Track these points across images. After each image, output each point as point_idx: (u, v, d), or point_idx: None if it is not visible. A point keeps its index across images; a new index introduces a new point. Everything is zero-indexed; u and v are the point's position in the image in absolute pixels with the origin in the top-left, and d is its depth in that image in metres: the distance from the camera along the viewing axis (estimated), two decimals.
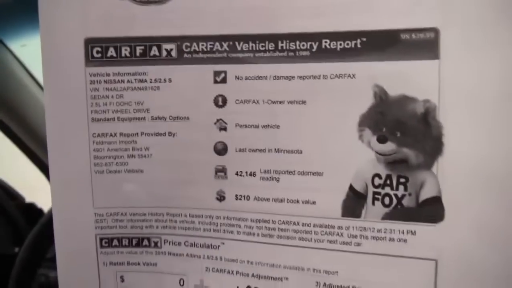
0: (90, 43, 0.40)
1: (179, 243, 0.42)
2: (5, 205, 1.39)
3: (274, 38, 0.38)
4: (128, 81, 0.40)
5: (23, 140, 1.46)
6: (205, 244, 0.41)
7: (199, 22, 0.39)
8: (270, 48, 0.38)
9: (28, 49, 1.37)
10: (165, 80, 0.39)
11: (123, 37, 0.39)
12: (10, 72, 1.38)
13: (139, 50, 0.39)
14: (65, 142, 0.41)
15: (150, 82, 0.40)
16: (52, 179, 0.41)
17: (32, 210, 1.48)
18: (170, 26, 0.39)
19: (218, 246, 0.41)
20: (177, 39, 0.39)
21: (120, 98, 0.40)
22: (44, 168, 1.53)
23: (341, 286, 0.38)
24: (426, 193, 0.36)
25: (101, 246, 0.42)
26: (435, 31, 0.35)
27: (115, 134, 0.40)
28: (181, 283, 0.42)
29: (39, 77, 1.43)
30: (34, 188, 1.57)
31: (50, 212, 1.15)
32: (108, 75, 0.40)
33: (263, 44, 0.38)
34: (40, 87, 1.44)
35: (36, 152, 1.49)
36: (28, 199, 1.53)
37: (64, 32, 0.40)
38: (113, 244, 0.42)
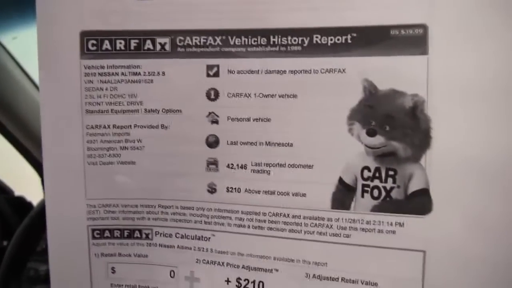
0: (85, 35, 0.38)
1: (170, 235, 0.40)
2: None
3: (266, 33, 0.37)
4: (122, 73, 0.39)
5: (13, 133, 1.44)
6: (196, 236, 0.40)
7: (192, 16, 0.38)
8: (262, 43, 0.37)
9: (19, 41, 1.36)
10: (158, 73, 0.38)
11: (118, 30, 0.38)
12: (0, 65, 1.36)
13: (133, 43, 0.38)
14: (59, 133, 0.39)
15: (144, 75, 0.38)
16: (46, 170, 0.40)
17: (22, 204, 1.44)
18: (164, 20, 0.38)
19: (209, 238, 0.39)
20: (171, 33, 0.38)
21: (114, 90, 0.39)
22: (33, 161, 1.51)
23: (330, 277, 0.37)
24: (414, 186, 0.35)
25: (93, 237, 0.41)
26: (424, 27, 0.34)
27: (109, 126, 0.39)
28: (172, 275, 0.41)
29: (30, 70, 1.41)
30: (24, 182, 1.55)
31: (40, 205, 1.13)
32: (102, 67, 0.39)
33: (255, 39, 0.37)
34: (31, 80, 1.42)
35: (26, 146, 1.47)
36: (18, 192, 1.51)
37: (60, 24, 0.39)
38: (105, 235, 0.41)
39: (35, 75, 1.43)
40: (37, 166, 1.52)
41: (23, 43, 1.38)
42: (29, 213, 1.34)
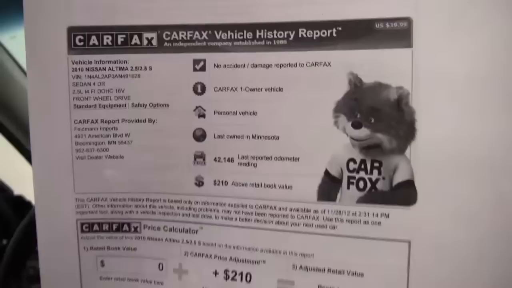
0: (73, 31, 0.38)
1: (158, 228, 0.40)
2: None
3: (252, 27, 0.36)
4: (109, 68, 0.38)
5: (12, 132, 1.44)
6: (184, 229, 0.40)
7: (179, 11, 0.37)
8: (248, 37, 0.37)
9: (17, 40, 1.35)
10: (145, 68, 0.38)
11: (105, 25, 0.38)
12: (0, 65, 1.35)
13: (120, 38, 0.38)
14: (47, 128, 0.39)
15: (131, 70, 0.38)
16: (34, 165, 0.40)
17: (21, 203, 1.44)
18: (151, 15, 0.38)
19: (197, 230, 0.39)
20: (158, 28, 0.38)
21: (101, 85, 0.39)
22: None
23: (316, 268, 0.37)
24: (399, 177, 0.35)
25: (82, 231, 0.41)
26: (408, 20, 0.34)
27: (96, 121, 0.39)
28: (161, 268, 0.40)
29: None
30: (23, 181, 1.54)
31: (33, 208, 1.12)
32: (90, 62, 0.38)
33: (241, 33, 0.37)
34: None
35: (26, 145, 1.47)
36: (17, 192, 1.51)
37: (48, 20, 0.38)
38: (94, 229, 0.41)
39: None
40: None
41: (22, 42, 1.38)
42: (28, 212, 1.33)
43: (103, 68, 0.38)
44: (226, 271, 0.39)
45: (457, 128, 0.33)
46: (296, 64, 0.36)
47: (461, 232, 0.34)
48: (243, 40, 0.37)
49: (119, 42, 0.38)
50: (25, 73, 1.39)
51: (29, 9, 0.38)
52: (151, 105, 0.38)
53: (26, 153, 1.49)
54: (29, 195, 1.46)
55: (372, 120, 0.35)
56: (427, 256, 0.34)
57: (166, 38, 0.38)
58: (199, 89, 0.38)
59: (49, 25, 0.38)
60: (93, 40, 0.38)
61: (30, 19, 0.38)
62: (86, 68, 0.38)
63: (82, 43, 0.38)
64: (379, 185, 0.35)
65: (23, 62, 1.37)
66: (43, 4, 0.38)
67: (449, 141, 0.33)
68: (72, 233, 0.41)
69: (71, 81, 0.38)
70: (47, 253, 0.41)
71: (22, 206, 1.41)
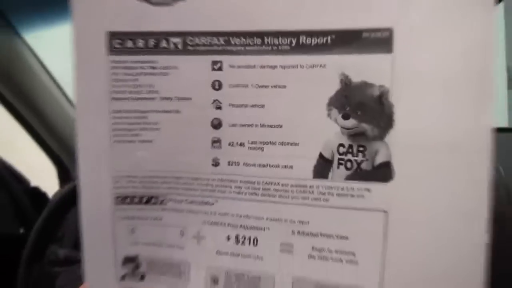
0: (112, 36, 0.45)
1: (181, 201, 0.47)
2: (12, 188, 1.41)
3: (261, 34, 0.43)
4: (142, 67, 0.45)
5: (35, 128, 1.48)
6: (202, 201, 0.47)
7: (200, 20, 0.44)
8: (258, 43, 0.44)
9: (40, 40, 1.40)
10: (172, 67, 0.45)
11: (139, 31, 0.45)
12: (25, 63, 1.39)
13: (151, 42, 0.45)
14: (90, 117, 0.46)
15: (160, 69, 0.45)
16: (79, 149, 0.47)
17: (37, 194, 1.49)
18: (177, 23, 0.45)
19: (213, 203, 0.46)
20: (183, 34, 0.45)
21: (135, 81, 0.46)
22: (52, 154, 1.55)
23: (311, 233, 0.44)
24: (380, 159, 0.42)
25: (117, 203, 0.48)
26: (390, 30, 0.41)
27: (131, 111, 0.46)
28: (182, 234, 0.48)
29: (50, 67, 1.45)
30: (39, 174, 1.59)
31: (58, 195, 1.18)
32: (126, 62, 0.45)
33: (252, 39, 0.44)
34: (51, 77, 1.46)
35: (47, 141, 1.51)
36: (33, 183, 1.54)
37: (91, 26, 0.45)
38: (126, 201, 0.48)
39: (54, 71, 1.48)
40: (55, 159, 1.57)
41: (44, 41, 1.43)
42: (43, 202, 1.39)
43: (136, 67, 0.45)
44: (237, 236, 0.46)
45: (428, 119, 0.40)
46: (297, 65, 0.43)
47: (431, 204, 0.41)
48: (253, 45, 0.44)
49: (150, 45, 0.45)
50: (47, 71, 1.44)
51: (76, 18, 0.46)
52: (176, 98, 0.45)
53: (46, 148, 1.54)
54: (44, 187, 1.51)
55: (359, 113, 0.42)
56: (401, 223, 0.41)
57: (189, 43, 0.45)
58: (217, 85, 0.45)
59: (93, 30, 0.45)
60: (129, 43, 0.45)
61: (77, 26, 0.45)
62: (122, 67, 0.45)
63: (119, 46, 0.45)
64: (363, 165, 0.42)
65: (44, 59, 1.43)
66: (88, 13, 0.45)
67: (421, 130, 0.40)
68: (109, 205, 0.48)
69: (111, 78, 0.46)
70: (88, 223, 0.48)
71: (38, 197, 1.47)
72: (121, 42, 0.45)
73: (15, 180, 1.46)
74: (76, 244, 1.32)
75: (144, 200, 0.48)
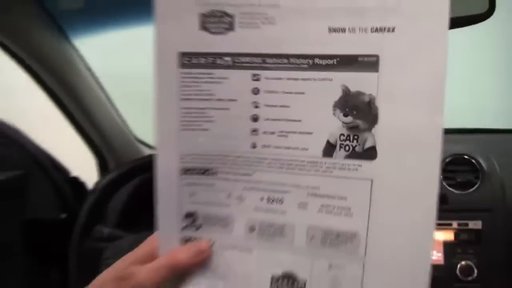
0: (182, 55, 0.60)
1: (228, 173, 0.62)
2: (55, 178, 1.55)
3: (287, 56, 0.58)
4: (203, 78, 0.60)
5: (81, 124, 1.62)
6: (243, 173, 0.61)
7: (245, 45, 0.59)
8: (285, 62, 0.58)
9: (85, 46, 1.52)
10: (224, 78, 0.59)
11: (201, 52, 0.60)
12: (73, 64, 1.52)
13: (210, 60, 0.59)
14: (165, 112, 0.60)
15: (216, 78, 0.59)
16: (157, 134, 0.61)
17: (76, 183, 1.63)
18: (228, 47, 0.59)
19: (251, 174, 0.60)
20: (232, 55, 0.60)
21: (198, 87, 0.59)
22: (94, 147, 1.69)
23: (320, 195, 0.58)
24: (368, 144, 0.56)
25: (181, 174, 0.64)
26: (377, 57, 0.55)
27: (194, 108, 0.60)
28: (228, 196, 0.62)
29: (96, 70, 1.58)
30: (80, 166, 1.74)
31: (102, 183, 1.34)
32: (192, 74, 0.59)
33: (281, 59, 0.58)
34: (94, 77, 1.58)
35: (89, 134, 1.65)
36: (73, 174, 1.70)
37: (168, 48, 0.59)
38: (189, 172, 0.63)
39: (99, 75, 1.63)
40: (97, 151, 1.71)
41: (89, 47, 1.60)
42: (82, 191, 1.54)
43: (199, 77, 0.60)
44: (268, 198, 0.61)
45: (400, 119, 0.55)
46: (312, 79, 0.57)
47: (407, 174, 0.55)
48: (281, 63, 0.58)
49: (209, 62, 0.59)
50: (90, 71, 1.59)
51: (157, 41, 0.60)
52: (226, 99, 0.60)
53: (90, 142, 1.67)
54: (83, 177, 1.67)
55: (354, 112, 0.55)
56: (381, 188, 0.57)
57: (237, 61, 0.58)
58: (256, 91, 0.59)
59: (169, 51, 0.59)
60: (194, 60, 0.60)
61: (158, 47, 0.59)
62: (189, 77, 0.59)
63: (187, 62, 0.60)
64: (356, 149, 0.56)
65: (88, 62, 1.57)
66: (166, 39, 0.59)
67: (396, 126, 0.55)
68: (176, 175, 0.62)
69: (181, 84, 0.60)
70: (161, 187, 0.61)
71: (77, 185, 1.60)
72: (189, 59, 0.60)
73: (57, 170, 1.59)
74: (117, 224, 1.49)
75: (201, 171, 0.62)
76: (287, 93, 0.58)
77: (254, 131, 0.60)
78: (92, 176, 1.73)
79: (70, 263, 1.32)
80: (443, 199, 1.33)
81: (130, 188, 1.57)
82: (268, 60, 0.58)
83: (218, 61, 0.60)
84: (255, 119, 0.60)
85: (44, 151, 1.60)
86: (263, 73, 0.59)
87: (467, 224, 1.31)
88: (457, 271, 1.26)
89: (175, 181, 0.62)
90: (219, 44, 0.59)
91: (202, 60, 0.60)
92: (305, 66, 0.57)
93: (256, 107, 0.60)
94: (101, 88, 1.65)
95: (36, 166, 1.54)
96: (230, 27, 0.59)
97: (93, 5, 1.27)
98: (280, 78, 0.58)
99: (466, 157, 1.39)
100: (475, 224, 1.31)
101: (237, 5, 0.60)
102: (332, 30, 0.56)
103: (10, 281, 1.43)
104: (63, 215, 1.59)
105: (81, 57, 1.57)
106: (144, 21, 1.45)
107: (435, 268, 1.25)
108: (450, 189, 1.35)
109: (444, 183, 1.35)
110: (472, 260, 1.27)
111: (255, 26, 0.58)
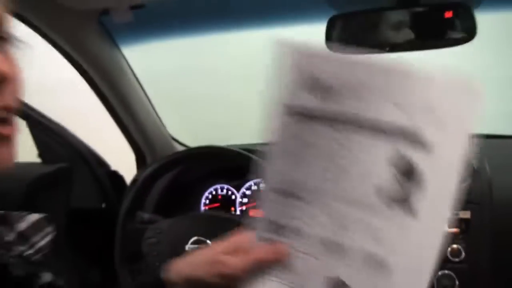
0: (285, 106, 0.72)
1: (308, 198, 0.74)
2: (97, 171, 1.73)
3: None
4: (298, 124, 0.73)
5: (125, 123, 1.81)
6: (322, 200, 0.72)
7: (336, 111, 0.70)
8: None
9: (133, 54, 1.67)
10: (313, 128, 0.75)
11: (297, 105, 0.72)
12: (122, 70, 1.68)
13: (307, 115, 0.72)
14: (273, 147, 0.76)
15: (307, 126, 0.74)
16: (265, 159, 0.76)
17: (115, 176, 1.84)
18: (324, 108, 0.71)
19: (328, 202, 0.71)
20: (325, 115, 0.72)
21: (295, 131, 0.73)
22: (134, 144, 1.88)
23: (375, 228, 0.68)
24: (413, 202, 0.67)
25: (275, 192, 0.76)
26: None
27: (292, 151, 0.75)
28: (308, 215, 0.74)
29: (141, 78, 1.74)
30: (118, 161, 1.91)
31: (142, 177, 1.53)
32: (291, 122, 0.73)
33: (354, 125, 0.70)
34: (139, 82, 1.75)
35: (132, 132, 1.84)
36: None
37: (278, 100, 0.73)
38: (281, 192, 0.76)
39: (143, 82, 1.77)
40: (136, 148, 1.90)
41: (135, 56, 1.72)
42: (120, 183, 1.76)
43: (295, 123, 0.73)
44: (338, 223, 0.70)
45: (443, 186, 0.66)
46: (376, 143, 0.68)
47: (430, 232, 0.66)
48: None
49: (305, 114, 0.72)
50: (136, 78, 1.74)
51: (270, 96, 0.72)
52: (313, 144, 0.72)
53: (130, 138, 1.85)
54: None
55: (405, 173, 0.70)
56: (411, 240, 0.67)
57: (326, 116, 0.71)
58: (335, 144, 0.71)
59: (277, 103, 0.72)
60: (293, 111, 0.72)
61: (270, 100, 0.73)
62: (289, 122, 0.74)
63: (288, 111, 0.72)
64: (405, 203, 0.78)
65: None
66: (276, 95, 0.73)
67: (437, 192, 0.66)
68: (271, 193, 0.76)
69: (283, 124, 0.73)
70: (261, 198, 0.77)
71: (116, 178, 1.81)
72: (289, 110, 0.73)
73: (99, 164, 1.78)
74: (154, 210, 1.69)
75: (291, 194, 0.76)
76: (356, 150, 0.69)
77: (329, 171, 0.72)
78: (127, 171, 1.91)
79: (116, 241, 1.52)
80: None
81: (165, 180, 1.79)
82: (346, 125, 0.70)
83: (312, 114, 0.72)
84: (332, 161, 0.71)
85: (88, 147, 1.76)
86: (342, 133, 0.69)
87: (458, 214, 1.53)
88: (448, 253, 1.48)
89: (271, 196, 0.76)
90: (317, 105, 0.71)
91: (302, 112, 0.73)
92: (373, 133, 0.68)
93: (333, 154, 0.71)
94: (143, 90, 1.82)
95: (81, 160, 1.70)
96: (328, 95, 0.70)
97: (139, 20, 1.41)
98: (353, 140, 0.69)
99: None
100: (465, 214, 1.53)
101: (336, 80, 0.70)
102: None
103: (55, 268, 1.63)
104: (103, 205, 1.78)
105: (127, 63, 1.72)
106: (179, 33, 1.67)
107: None
108: None
109: None
110: (461, 245, 1.49)
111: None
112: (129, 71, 1.72)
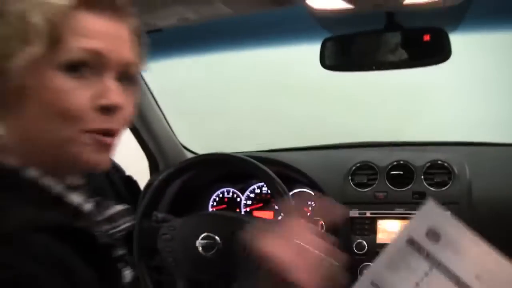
0: (408, 240, 0.88)
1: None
2: (112, 176, 1.74)
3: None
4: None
5: (142, 135, 1.97)
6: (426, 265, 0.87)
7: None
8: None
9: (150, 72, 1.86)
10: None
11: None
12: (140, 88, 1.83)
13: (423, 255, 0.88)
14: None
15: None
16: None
17: (130, 181, 1.91)
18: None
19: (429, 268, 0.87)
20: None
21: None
22: (149, 152, 2.05)
23: None
24: None
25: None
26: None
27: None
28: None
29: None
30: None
31: (155, 180, 1.71)
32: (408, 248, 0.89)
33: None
34: (155, 99, 1.93)
35: (147, 142, 2.01)
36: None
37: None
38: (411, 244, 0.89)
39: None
40: (151, 156, 2.07)
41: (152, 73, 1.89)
42: (135, 187, 1.90)
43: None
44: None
45: None
46: None
47: None
48: None
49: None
50: (151, 92, 1.91)
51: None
52: None
53: (145, 147, 2.01)
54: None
55: None
56: None
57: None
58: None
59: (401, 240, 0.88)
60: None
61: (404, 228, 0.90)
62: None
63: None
64: None
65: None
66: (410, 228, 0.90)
67: None
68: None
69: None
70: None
71: (130, 183, 1.91)
72: (409, 240, 0.87)
73: (114, 169, 1.83)
74: (168, 211, 1.88)
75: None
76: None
77: None
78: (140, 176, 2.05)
79: (134, 239, 1.69)
80: (422, 195, 1.74)
81: (178, 183, 1.96)
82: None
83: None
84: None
85: None
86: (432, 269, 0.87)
87: None
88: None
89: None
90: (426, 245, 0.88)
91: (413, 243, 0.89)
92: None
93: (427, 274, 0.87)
94: (156, 102, 2.00)
95: None
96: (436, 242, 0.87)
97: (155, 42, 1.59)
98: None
99: (440, 162, 1.79)
100: None
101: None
102: None
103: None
104: None
105: (143, 78, 1.90)
106: (190, 52, 1.83)
107: None
108: (428, 187, 1.75)
109: (425, 183, 1.75)
110: None
111: None
112: (144, 86, 1.89)
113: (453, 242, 0.85)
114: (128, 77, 0.75)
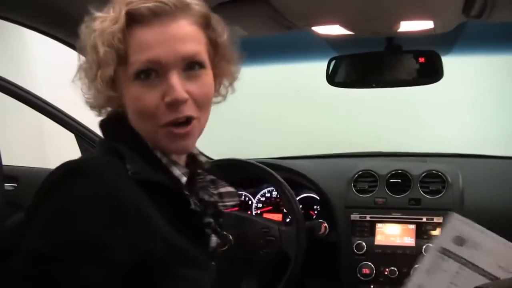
0: (441, 249, 0.99)
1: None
2: None
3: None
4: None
5: None
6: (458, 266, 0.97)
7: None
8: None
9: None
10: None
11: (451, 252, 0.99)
12: None
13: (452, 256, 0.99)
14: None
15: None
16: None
17: None
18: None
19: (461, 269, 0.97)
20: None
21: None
22: None
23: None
24: None
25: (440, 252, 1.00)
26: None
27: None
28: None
29: None
30: None
31: None
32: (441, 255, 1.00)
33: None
34: None
35: None
36: None
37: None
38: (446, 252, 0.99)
39: None
40: None
41: None
42: None
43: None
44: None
45: None
46: None
47: None
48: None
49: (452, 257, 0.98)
50: None
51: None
52: None
53: None
54: None
55: None
56: None
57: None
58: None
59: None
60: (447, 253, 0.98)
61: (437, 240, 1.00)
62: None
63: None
64: None
65: None
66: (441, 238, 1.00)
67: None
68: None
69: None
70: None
71: None
72: (441, 249, 0.98)
73: None
74: None
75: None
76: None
77: None
78: None
79: None
80: (417, 201, 1.88)
81: None
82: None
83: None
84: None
85: None
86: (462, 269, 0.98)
87: (432, 219, 1.84)
88: (423, 250, 1.77)
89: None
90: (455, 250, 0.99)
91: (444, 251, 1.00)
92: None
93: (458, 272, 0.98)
94: None
95: None
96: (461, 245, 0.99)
97: None
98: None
99: (435, 172, 1.93)
100: (438, 219, 1.83)
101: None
102: None
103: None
104: None
105: None
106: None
107: (409, 248, 1.82)
108: (424, 195, 1.89)
109: (420, 191, 1.89)
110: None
111: None
112: None
113: (476, 242, 0.97)
114: (194, 65, 0.85)
